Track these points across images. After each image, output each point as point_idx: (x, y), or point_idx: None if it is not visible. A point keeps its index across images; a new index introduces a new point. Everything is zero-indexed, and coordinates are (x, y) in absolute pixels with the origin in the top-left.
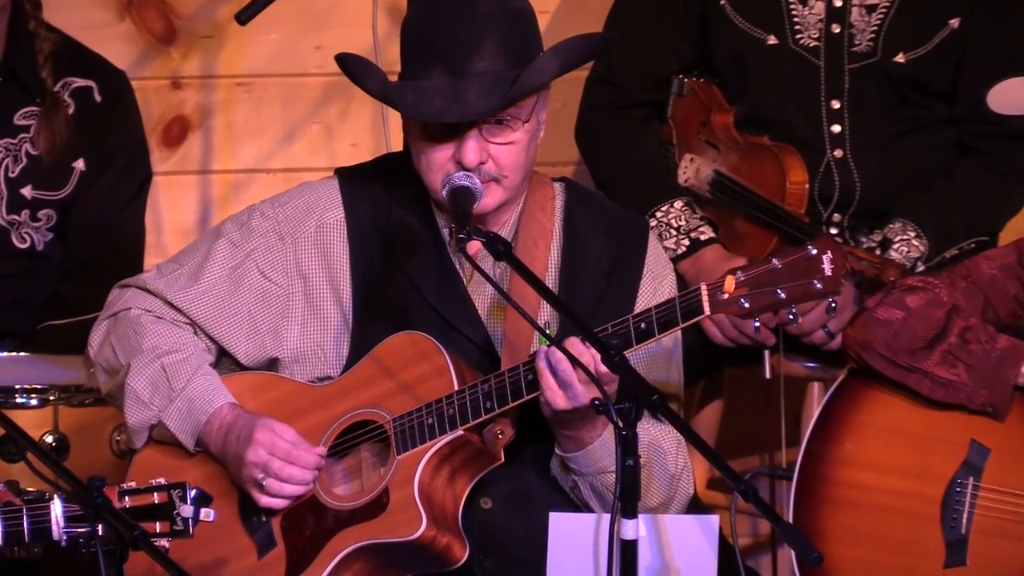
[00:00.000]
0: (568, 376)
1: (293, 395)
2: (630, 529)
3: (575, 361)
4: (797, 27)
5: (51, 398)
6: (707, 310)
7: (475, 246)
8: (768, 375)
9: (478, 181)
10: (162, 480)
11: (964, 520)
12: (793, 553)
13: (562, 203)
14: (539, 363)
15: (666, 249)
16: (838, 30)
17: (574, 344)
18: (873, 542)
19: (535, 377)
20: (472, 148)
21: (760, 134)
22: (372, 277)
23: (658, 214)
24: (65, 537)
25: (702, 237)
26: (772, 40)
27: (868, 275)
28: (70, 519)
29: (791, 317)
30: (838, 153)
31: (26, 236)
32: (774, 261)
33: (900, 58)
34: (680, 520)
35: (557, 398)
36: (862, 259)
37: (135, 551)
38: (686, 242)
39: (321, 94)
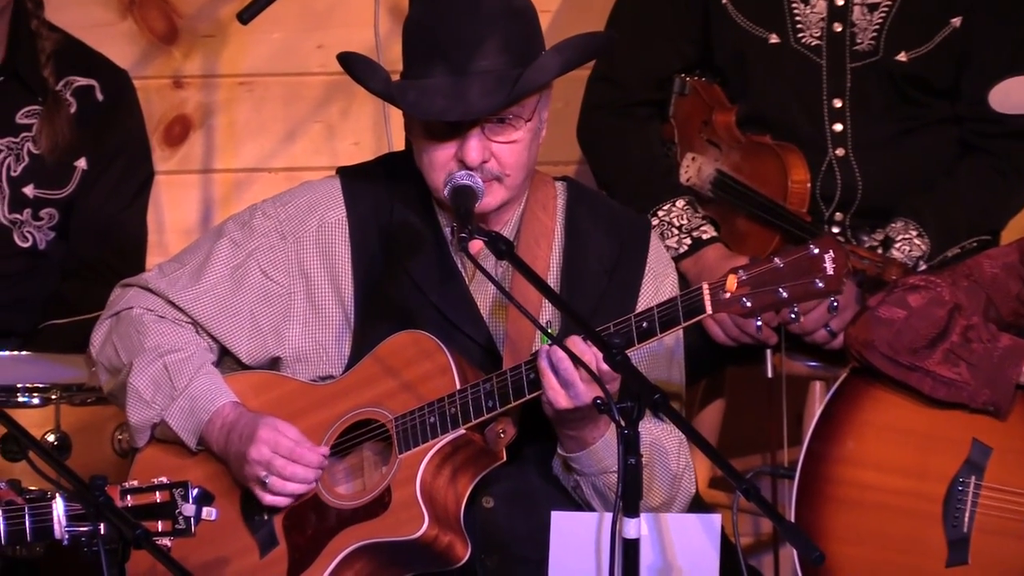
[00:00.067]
0: (570, 375)
1: (295, 394)
2: (632, 528)
3: (577, 360)
4: (799, 26)
5: (53, 397)
6: (709, 309)
7: (477, 245)
8: (770, 374)
9: (480, 180)
10: (164, 479)
11: (966, 519)
12: (795, 552)
13: (564, 202)
14: (541, 362)
15: (668, 248)
16: (840, 29)
17: (576, 343)
18: (875, 541)
19: (537, 376)
20: (474, 147)
21: (762, 133)
22: (374, 276)
23: (660, 213)
24: (67, 536)
25: (704, 236)
26: (774, 39)
27: (870, 274)
28: (72, 518)
29: (793, 316)
30: (840, 152)
31: (28, 235)
32: (776, 260)
33: (902, 57)
34: (682, 519)
35: (559, 397)
36: (864, 258)
37: (137, 550)
38: (688, 241)
39: (323, 93)
